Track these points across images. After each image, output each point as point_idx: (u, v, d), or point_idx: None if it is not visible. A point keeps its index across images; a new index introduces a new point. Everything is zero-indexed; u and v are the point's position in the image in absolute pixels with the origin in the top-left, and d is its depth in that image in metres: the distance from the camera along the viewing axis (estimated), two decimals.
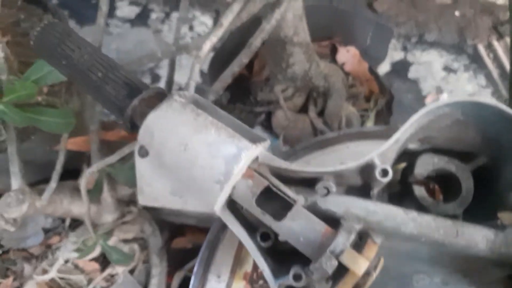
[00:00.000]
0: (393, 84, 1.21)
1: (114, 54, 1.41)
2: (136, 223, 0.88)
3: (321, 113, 0.96)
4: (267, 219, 0.40)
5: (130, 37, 1.51)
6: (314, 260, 0.38)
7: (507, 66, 1.38)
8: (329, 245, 0.37)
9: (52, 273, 0.84)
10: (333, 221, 0.41)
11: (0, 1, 0.74)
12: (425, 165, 0.46)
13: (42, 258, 0.90)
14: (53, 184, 0.75)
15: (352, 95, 1.02)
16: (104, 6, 0.76)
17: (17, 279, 0.89)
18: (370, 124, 1.01)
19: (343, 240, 0.37)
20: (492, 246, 0.41)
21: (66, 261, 0.87)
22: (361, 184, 0.44)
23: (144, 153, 0.44)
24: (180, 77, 0.92)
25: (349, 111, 0.96)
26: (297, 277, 0.39)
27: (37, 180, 0.92)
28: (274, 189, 0.41)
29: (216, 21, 1.52)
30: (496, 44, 1.44)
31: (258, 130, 0.98)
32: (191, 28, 1.47)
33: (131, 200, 0.90)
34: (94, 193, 0.72)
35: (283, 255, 0.43)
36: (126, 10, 1.55)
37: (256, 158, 0.42)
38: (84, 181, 0.62)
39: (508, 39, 1.42)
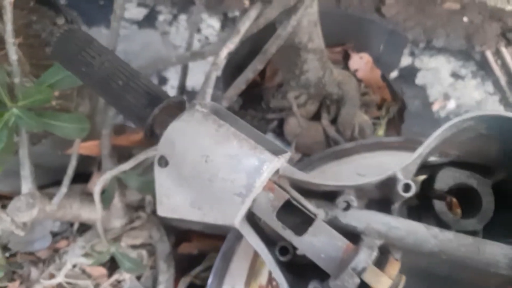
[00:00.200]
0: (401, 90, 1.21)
1: (121, 55, 1.40)
2: (145, 228, 0.88)
3: (333, 121, 0.95)
4: (287, 234, 0.39)
5: (137, 38, 1.50)
6: (334, 276, 0.37)
7: None
8: (350, 261, 0.37)
9: (60, 278, 0.84)
10: (352, 236, 0.40)
11: (12, 2, 0.74)
12: (446, 180, 0.45)
13: (49, 262, 0.89)
14: (64, 189, 0.74)
15: (364, 103, 1.01)
16: (118, 10, 0.76)
17: (24, 282, 0.89)
18: (381, 132, 1.00)
19: (365, 257, 0.36)
20: None
21: (74, 266, 0.86)
22: (381, 198, 0.44)
23: (164, 163, 0.43)
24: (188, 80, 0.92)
25: (362, 120, 0.96)
26: None
27: (46, 183, 0.92)
28: (294, 202, 0.41)
29: (224, 24, 1.53)
30: (504, 51, 1.44)
31: (269, 137, 0.98)
32: (198, 30, 1.47)
33: (140, 206, 0.89)
34: (106, 199, 0.72)
35: (300, 269, 0.43)
36: (134, 12, 1.55)
37: (277, 170, 0.42)
38: (98, 188, 0.62)
39: None
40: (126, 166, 0.61)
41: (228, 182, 0.40)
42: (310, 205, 0.41)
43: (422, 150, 0.41)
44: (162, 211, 0.43)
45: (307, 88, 0.86)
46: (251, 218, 0.43)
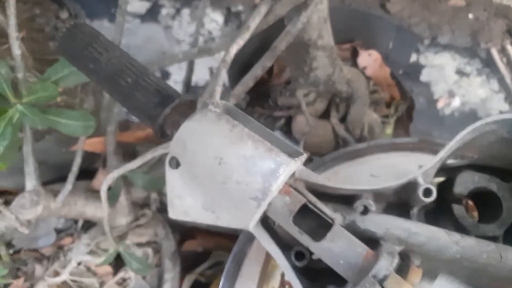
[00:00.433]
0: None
1: (124, 49, 1.39)
2: (150, 226, 0.87)
3: (342, 119, 0.94)
4: (304, 239, 0.38)
5: (140, 32, 1.49)
6: (354, 283, 0.36)
7: None
8: (371, 269, 0.35)
9: (65, 276, 0.83)
10: (370, 241, 0.39)
11: None
12: (465, 183, 0.44)
13: (54, 259, 0.88)
14: (69, 186, 0.73)
15: (374, 101, 1.00)
16: (124, 5, 0.74)
17: (28, 280, 0.88)
18: (389, 131, 0.99)
19: (386, 264, 0.35)
20: None
21: (79, 264, 0.85)
22: (400, 202, 0.42)
23: (175, 164, 0.42)
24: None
25: (371, 118, 0.94)
26: None
27: (50, 180, 0.91)
28: (311, 206, 0.40)
29: (227, 19, 1.51)
30: (509, 49, 1.43)
31: (277, 135, 0.96)
32: (201, 25, 1.46)
33: (145, 203, 0.88)
34: (111, 197, 0.70)
35: (316, 274, 0.42)
36: (137, 5, 1.53)
37: (293, 173, 0.40)
38: (105, 187, 0.61)
39: None
40: (133, 165, 0.60)
41: (243, 185, 0.38)
42: (327, 209, 0.39)
43: (443, 153, 0.40)
44: (173, 214, 0.42)
45: (316, 85, 0.85)
46: (265, 221, 0.42)
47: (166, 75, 1.40)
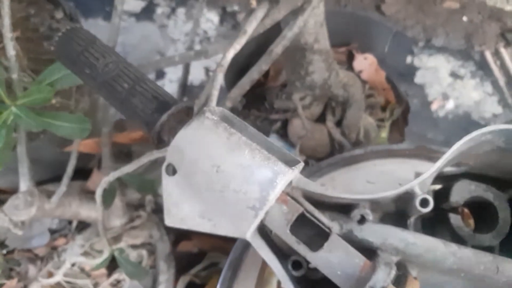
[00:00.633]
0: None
1: (119, 48, 1.39)
2: (145, 228, 0.87)
3: (338, 123, 0.94)
4: (302, 249, 0.38)
5: (135, 31, 1.49)
6: None
7: None
8: (368, 280, 0.35)
9: (58, 277, 0.83)
10: (367, 251, 0.39)
11: None
12: (462, 193, 0.44)
13: (48, 260, 0.88)
14: (63, 187, 0.73)
15: (369, 105, 1.00)
16: (119, 6, 0.73)
17: (21, 280, 0.87)
18: (384, 135, 0.99)
19: (383, 276, 0.35)
20: None
21: (73, 265, 0.85)
22: (397, 211, 0.42)
23: (171, 171, 0.42)
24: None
25: (367, 122, 0.94)
26: None
27: (44, 179, 0.91)
28: (308, 215, 0.40)
29: (223, 18, 1.51)
30: (503, 51, 1.43)
31: (273, 138, 0.96)
32: (197, 25, 1.46)
33: (140, 204, 0.88)
34: (106, 200, 0.70)
35: (313, 284, 0.42)
36: (132, 4, 1.53)
37: (290, 182, 0.40)
38: (100, 191, 0.61)
39: None
40: (128, 168, 0.59)
41: (241, 194, 0.38)
42: (324, 218, 0.39)
43: (440, 163, 0.40)
44: (170, 222, 0.42)
45: (312, 89, 0.85)
46: (262, 230, 0.42)
47: (161, 74, 1.39)
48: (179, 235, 0.98)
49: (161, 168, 0.42)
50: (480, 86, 1.39)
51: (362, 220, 0.40)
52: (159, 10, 1.52)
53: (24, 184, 0.73)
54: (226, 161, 0.39)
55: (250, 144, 0.40)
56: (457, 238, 0.43)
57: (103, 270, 0.85)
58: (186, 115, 0.44)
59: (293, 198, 0.40)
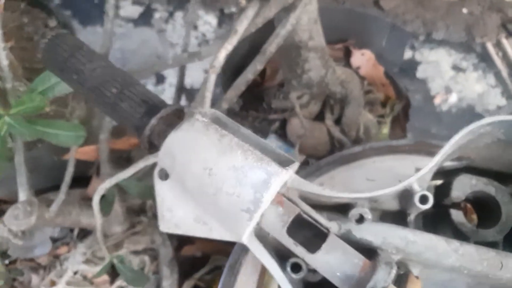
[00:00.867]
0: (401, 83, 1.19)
1: (118, 54, 1.39)
2: (146, 233, 0.86)
3: (337, 121, 0.93)
4: (299, 251, 0.37)
5: (133, 36, 1.48)
6: None
7: None
8: (368, 280, 0.34)
9: (61, 285, 0.82)
10: (367, 250, 0.38)
11: (2, 4, 0.72)
12: (463, 187, 0.43)
13: (50, 269, 0.88)
14: (62, 195, 0.72)
15: (368, 101, 0.99)
16: (111, 12, 0.73)
17: None
18: (385, 131, 0.98)
19: (384, 276, 0.34)
20: None
21: (75, 273, 0.84)
22: (396, 209, 0.41)
23: (164, 176, 0.41)
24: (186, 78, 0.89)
25: (367, 119, 0.93)
26: None
27: (44, 188, 0.90)
28: (305, 216, 0.38)
29: (221, 21, 1.50)
30: (505, 42, 1.41)
31: (272, 139, 0.95)
32: (195, 27, 1.45)
33: (141, 209, 0.87)
34: (105, 207, 0.69)
35: (313, 285, 0.41)
36: (129, 10, 1.52)
37: (285, 182, 0.39)
38: (97, 198, 0.60)
39: None
40: (125, 174, 0.59)
41: (234, 197, 0.37)
42: (322, 219, 0.38)
43: (438, 158, 0.38)
44: (164, 227, 0.41)
45: (310, 87, 0.84)
46: (259, 232, 0.41)
47: (161, 79, 1.38)
48: (182, 240, 0.97)
49: None
50: (483, 78, 1.37)
51: (360, 219, 0.39)
52: (156, 15, 1.52)
53: (23, 193, 0.73)
54: (218, 164, 0.38)
55: (242, 145, 0.39)
56: (459, 235, 0.42)
57: (106, 277, 0.84)
58: (177, 118, 0.43)
59: (289, 199, 0.39)
